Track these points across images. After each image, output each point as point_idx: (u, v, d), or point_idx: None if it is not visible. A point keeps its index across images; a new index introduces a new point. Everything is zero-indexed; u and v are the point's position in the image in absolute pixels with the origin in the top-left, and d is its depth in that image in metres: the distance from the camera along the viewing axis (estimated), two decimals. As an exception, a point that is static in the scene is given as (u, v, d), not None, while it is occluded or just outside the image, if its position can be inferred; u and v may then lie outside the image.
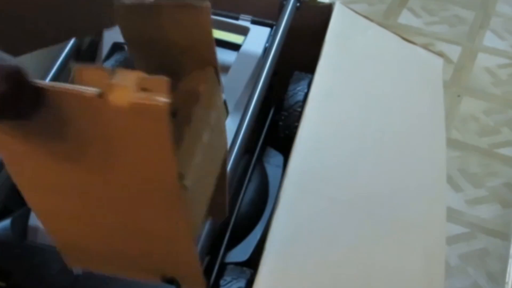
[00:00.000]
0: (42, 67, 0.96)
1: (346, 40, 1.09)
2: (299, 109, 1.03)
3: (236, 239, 0.91)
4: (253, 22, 1.08)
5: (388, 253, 0.79)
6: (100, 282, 0.72)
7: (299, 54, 1.12)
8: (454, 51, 2.05)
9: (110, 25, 0.79)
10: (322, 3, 1.17)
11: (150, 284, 0.75)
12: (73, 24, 0.73)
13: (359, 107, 0.98)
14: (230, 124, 0.97)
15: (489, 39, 2.12)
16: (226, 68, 1.01)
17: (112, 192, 0.49)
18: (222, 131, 0.59)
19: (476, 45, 2.09)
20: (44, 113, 0.42)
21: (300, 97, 1.06)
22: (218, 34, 1.04)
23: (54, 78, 0.93)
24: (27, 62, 1.03)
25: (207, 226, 0.75)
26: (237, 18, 1.09)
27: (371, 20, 1.17)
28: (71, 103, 0.41)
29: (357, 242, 0.79)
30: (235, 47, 1.02)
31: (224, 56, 1.02)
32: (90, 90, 0.39)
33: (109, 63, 0.93)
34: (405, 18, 2.19)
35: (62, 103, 0.41)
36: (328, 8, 1.16)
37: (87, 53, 1.08)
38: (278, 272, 0.71)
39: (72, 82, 0.40)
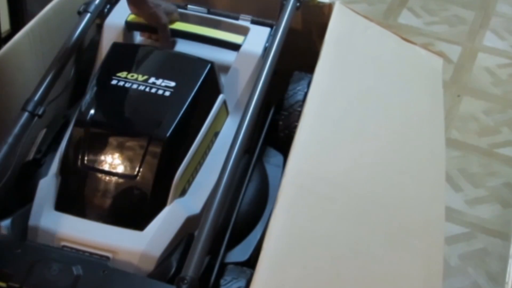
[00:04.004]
0: (43, 66, 0.96)
1: (346, 40, 1.09)
2: (299, 109, 1.03)
3: (236, 239, 0.91)
4: (253, 22, 1.08)
5: (386, 253, 0.79)
6: (99, 281, 0.72)
7: (299, 54, 1.12)
8: (454, 51, 2.05)
9: None
10: (322, 3, 1.17)
11: (149, 282, 0.75)
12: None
13: (358, 106, 0.98)
14: (230, 124, 0.97)
15: (489, 39, 2.12)
16: (226, 68, 1.01)
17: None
18: None
19: (476, 45, 2.09)
20: None
21: (300, 96, 1.06)
22: (218, 34, 1.04)
23: (55, 77, 0.93)
24: (28, 60, 1.03)
25: (207, 226, 0.75)
26: (237, 18, 1.09)
27: (371, 20, 1.17)
28: None
29: (355, 242, 0.79)
30: (235, 47, 1.02)
31: (224, 56, 1.02)
32: None
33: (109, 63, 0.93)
34: (405, 18, 2.19)
35: None
36: (328, 8, 1.16)
37: (87, 52, 1.09)
38: (276, 271, 0.71)
39: None
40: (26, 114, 0.87)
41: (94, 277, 0.72)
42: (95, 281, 0.72)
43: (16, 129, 0.85)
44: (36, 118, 0.88)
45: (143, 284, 0.74)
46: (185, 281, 0.70)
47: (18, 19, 1.44)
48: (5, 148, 0.83)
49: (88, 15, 1.02)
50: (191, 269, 0.71)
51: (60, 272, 0.72)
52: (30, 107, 0.88)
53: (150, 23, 1.01)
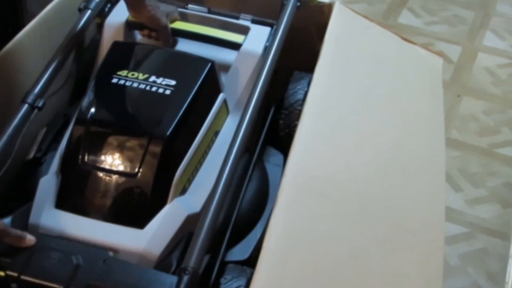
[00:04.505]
0: (43, 63, 0.96)
1: (346, 39, 1.09)
2: (299, 108, 1.04)
3: (237, 238, 0.91)
4: (254, 21, 1.08)
5: (386, 253, 0.79)
6: (100, 271, 0.72)
7: (299, 53, 1.13)
8: (454, 51, 2.05)
9: None
10: (322, 3, 1.17)
11: (150, 272, 0.75)
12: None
13: (358, 106, 0.98)
14: (230, 124, 0.97)
15: (489, 39, 2.12)
16: (226, 67, 1.01)
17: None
18: None
19: (476, 45, 2.09)
20: None
21: (300, 95, 1.06)
22: (218, 33, 1.04)
23: (55, 70, 0.93)
24: (29, 60, 1.03)
25: (207, 224, 0.75)
26: (237, 18, 1.09)
27: (371, 20, 1.17)
28: None
29: (355, 242, 0.79)
30: (235, 46, 1.02)
31: (224, 55, 1.02)
32: None
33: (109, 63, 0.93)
34: (405, 18, 2.19)
35: None
36: (328, 8, 1.16)
37: (88, 51, 1.09)
38: (275, 270, 0.71)
39: None
40: (26, 106, 0.87)
41: (94, 267, 0.72)
42: (95, 270, 0.71)
43: (16, 121, 0.85)
44: (36, 110, 0.88)
45: (144, 273, 0.74)
46: (187, 272, 0.70)
47: (18, 19, 1.44)
48: (4, 138, 0.83)
49: (89, 11, 1.02)
50: (192, 261, 0.71)
51: (60, 261, 0.71)
52: (30, 99, 0.88)
53: (151, 25, 1.01)
